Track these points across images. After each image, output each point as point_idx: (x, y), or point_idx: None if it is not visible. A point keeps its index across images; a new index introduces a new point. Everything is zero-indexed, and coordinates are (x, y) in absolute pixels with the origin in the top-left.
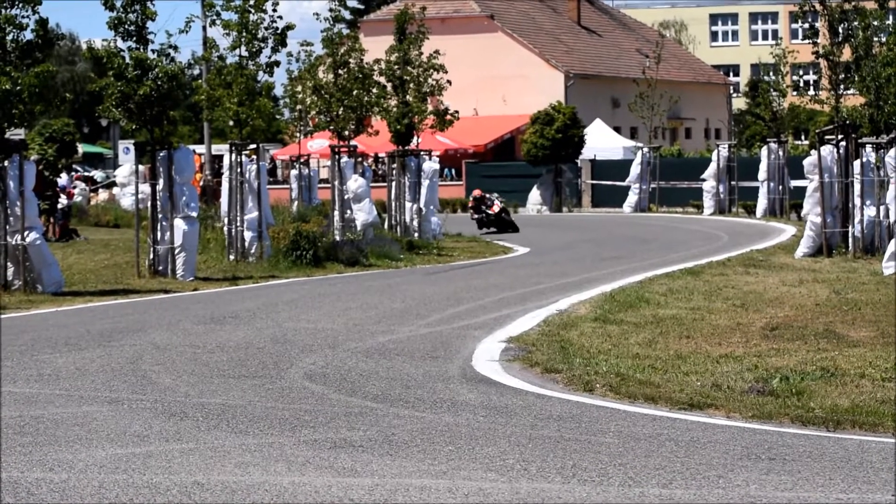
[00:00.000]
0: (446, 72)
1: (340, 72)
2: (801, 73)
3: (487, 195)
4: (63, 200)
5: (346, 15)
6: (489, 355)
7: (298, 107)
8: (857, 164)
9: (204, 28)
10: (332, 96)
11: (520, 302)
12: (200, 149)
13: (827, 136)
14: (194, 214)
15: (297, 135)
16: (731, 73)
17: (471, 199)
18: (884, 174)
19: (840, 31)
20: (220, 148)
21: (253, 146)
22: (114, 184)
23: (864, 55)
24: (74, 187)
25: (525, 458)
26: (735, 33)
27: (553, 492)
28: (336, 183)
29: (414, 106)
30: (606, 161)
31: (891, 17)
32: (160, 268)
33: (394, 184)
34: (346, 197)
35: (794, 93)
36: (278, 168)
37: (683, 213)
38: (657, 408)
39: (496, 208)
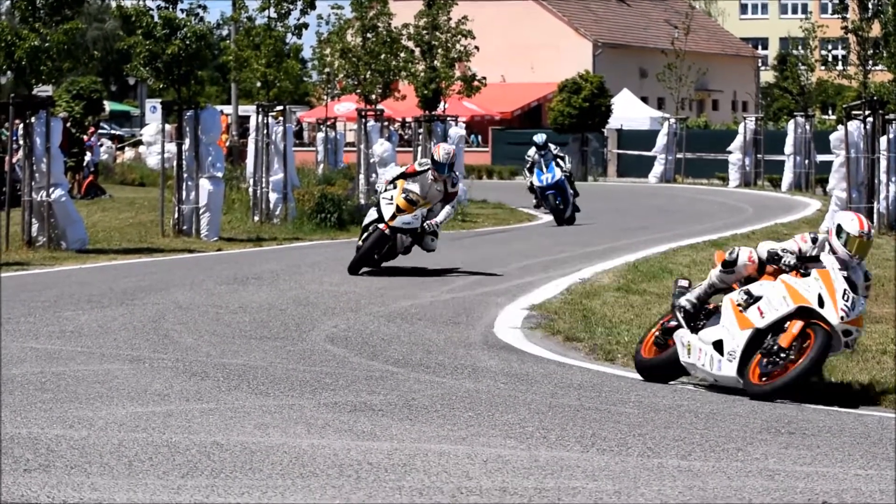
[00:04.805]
0: (474, 38)
1: (369, 35)
2: (829, 47)
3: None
4: (88, 157)
5: None
6: (511, 322)
7: (326, 69)
8: (883, 140)
9: None
10: (359, 60)
11: (543, 270)
12: (227, 109)
13: (854, 112)
14: (220, 175)
15: (325, 97)
16: (760, 47)
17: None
18: None
19: (870, 6)
20: (247, 109)
21: (280, 108)
22: (140, 142)
23: (893, 31)
24: (101, 144)
25: (545, 426)
26: (765, 6)
27: (572, 460)
28: (362, 146)
29: (441, 71)
30: (633, 131)
31: None
32: (184, 227)
33: (420, 149)
34: (371, 161)
35: (823, 67)
36: (305, 130)
37: (709, 184)
38: (678, 379)
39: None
